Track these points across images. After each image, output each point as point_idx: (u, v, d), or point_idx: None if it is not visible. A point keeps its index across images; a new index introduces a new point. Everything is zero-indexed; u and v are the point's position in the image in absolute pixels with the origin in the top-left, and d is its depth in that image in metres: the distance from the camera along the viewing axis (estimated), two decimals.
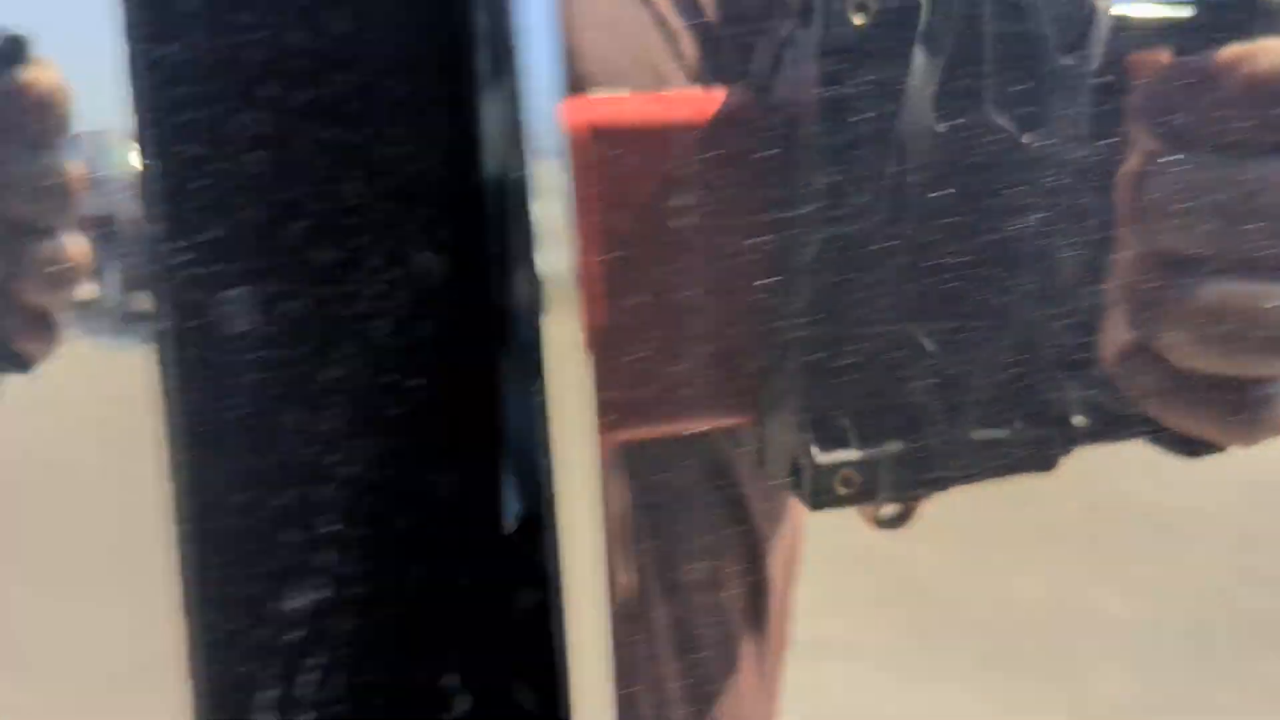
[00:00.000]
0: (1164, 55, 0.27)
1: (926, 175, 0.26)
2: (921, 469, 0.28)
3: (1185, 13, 0.27)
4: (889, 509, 0.31)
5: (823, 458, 0.27)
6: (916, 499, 0.30)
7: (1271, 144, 0.26)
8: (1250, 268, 0.26)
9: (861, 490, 0.28)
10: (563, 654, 0.21)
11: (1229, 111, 0.26)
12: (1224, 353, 0.27)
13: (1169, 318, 0.27)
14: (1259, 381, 0.28)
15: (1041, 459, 0.29)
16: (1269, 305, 0.26)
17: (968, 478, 0.29)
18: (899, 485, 0.28)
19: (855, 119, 0.25)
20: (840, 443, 0.28)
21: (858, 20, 0.25)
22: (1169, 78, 0.26)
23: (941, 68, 0.26)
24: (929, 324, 0.27)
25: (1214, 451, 0.30)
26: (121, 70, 0.19)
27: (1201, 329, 0.27)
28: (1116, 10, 0.27)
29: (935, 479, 0.29)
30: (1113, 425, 0.30)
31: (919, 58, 0.25)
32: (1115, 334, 0.28)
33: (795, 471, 0.28)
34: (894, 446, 0.28)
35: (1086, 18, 0.26)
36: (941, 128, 0.26)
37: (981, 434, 0.28)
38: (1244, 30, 0.26)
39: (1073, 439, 0.30)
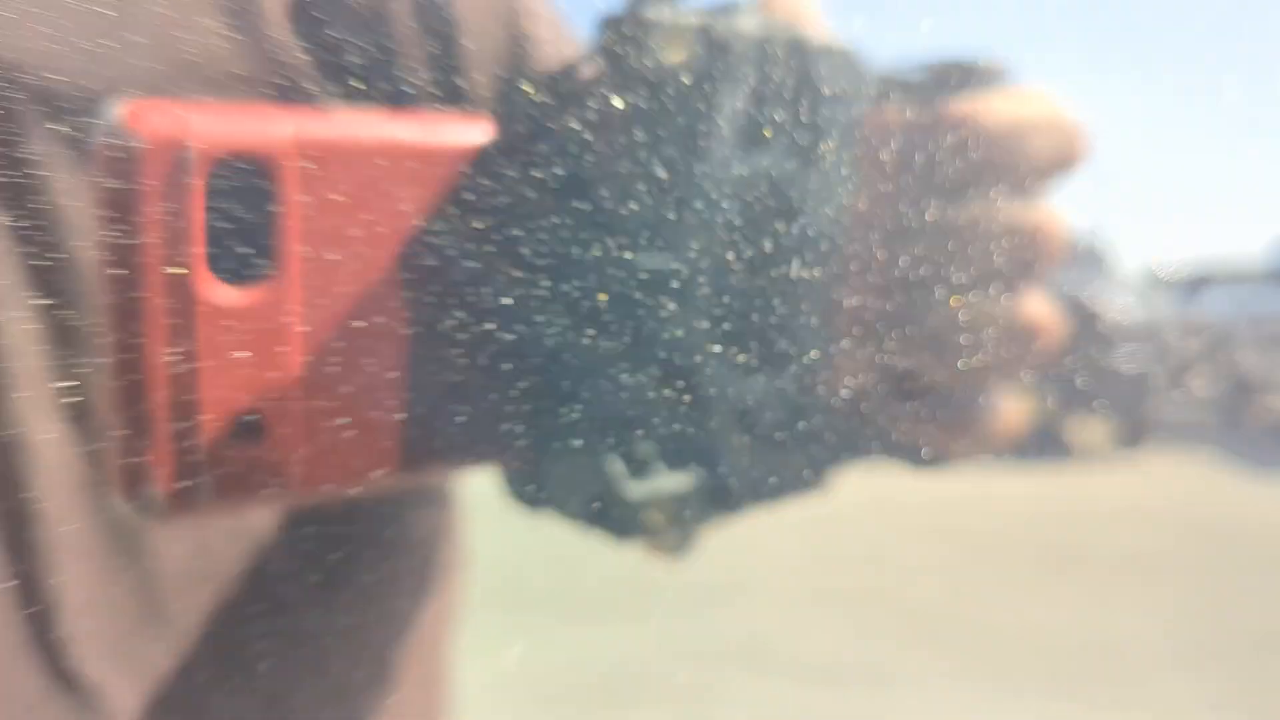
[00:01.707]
0: (895, 111, 0.31)
1: (717, 213, 0.27)
2: (721, 496, 0.30)
3: (919, 75, 0.31)
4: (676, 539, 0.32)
5: (633, 493, 0.28)
6: (708, 525, 0.31)
7: (977, 183, 0.31)
8: (955, 285, 0.31)
9: (671, 519, 0.29)
10: None
11: (949, 157, 0.30)
12: (943, 366, 0.31)
13: (908, 333, 0.31)
14: (968, 392, 0.32)
15: (818, 481, 0.32)
16: (978, 313, 0.31)
17: (756, 500, 0.30)
18: (701, 512, 0.29)
19: (648, 161, 0.26)
20: (645, 474, 0.28)
21: (674, 57, 0.26)
22: (906, 129, 0.30)
23: (732, 113, 0.28)
24: (723, 356, 0.29)
25: (946, 463, 0.33)
26: None
27: (925, 344, 0.31)
28: (878, 71, 0.30)
29: (732, 504, 0.30)
30: (863, 443, 0.32)
31: (723, 97, 0.27)
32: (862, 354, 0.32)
33: (599, 504, 0.28)
34: (695, 476, 0.29)
35: (855, 71, 0.29)
36: (736, 170, 0.28)
37: (769, 458, 0.30)
38: (965, 89, 0.31)
39: (836, 458, 0.32)
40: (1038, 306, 0.32)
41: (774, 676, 3.69)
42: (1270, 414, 10.36)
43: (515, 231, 0.27)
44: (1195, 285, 12.09)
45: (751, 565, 5.21)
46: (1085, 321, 8.06)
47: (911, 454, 0.33)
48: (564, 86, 0.27)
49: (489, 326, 0.27)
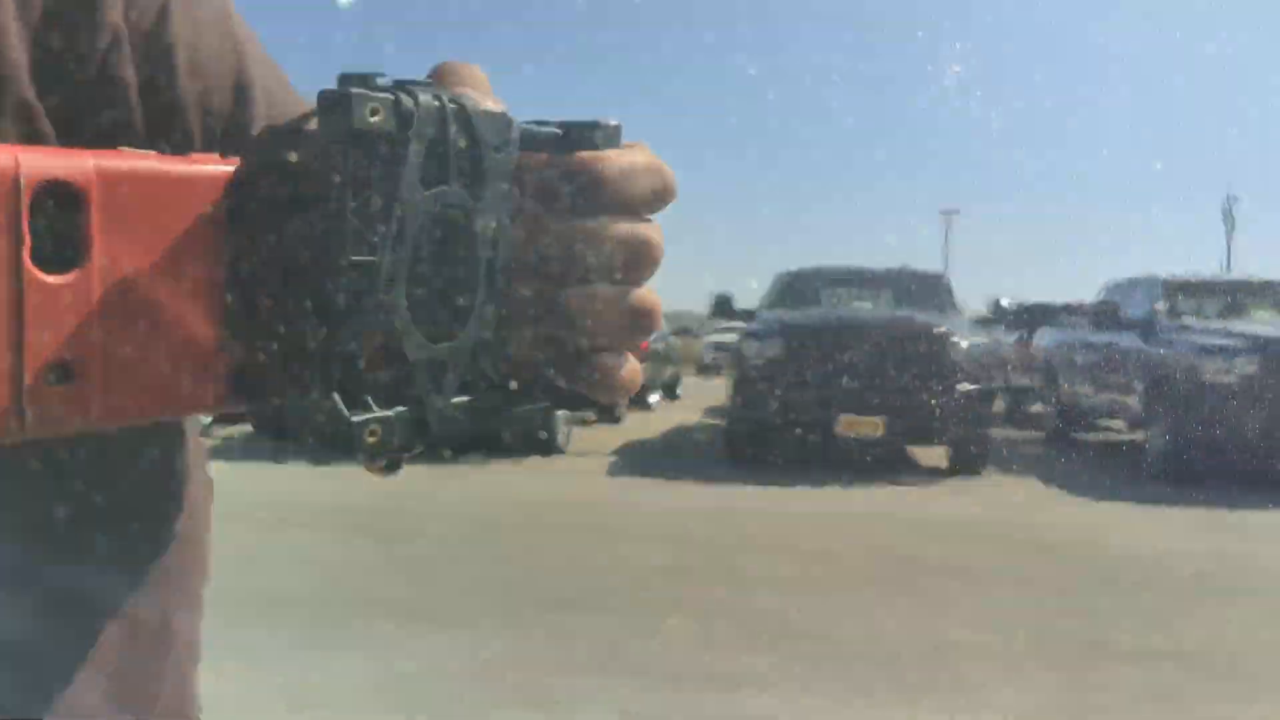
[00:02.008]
0: (543, 157, 0.43)
1: (415, 225, 0.39)
2: (418, 427, 0.40)
3: (557, 131, 0.44)
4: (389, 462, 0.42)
5: (355, 417, 0.38)
6: (413, 450, 0.41)
7: (596, 208, 0.43)
8: (585, 279, 0.43)
9: (382, 440, 0.39)
10: None
11: (576, 189, 0.43)
12: (584, 334, 0.43)
13: (553, 314, 0.43)
14: (602, 353, 0.44)
15: (493, 424, 0.44)
16: (600, 299, 0.43)
17: (450, 437, 0.41)
18: (407, 438, 0.40)
19: (370, 191, 0.38)
20: (363, 406, 0.38)
21: (373, 119, 0.37)
22: (546, 170, 0.43)
23: (422, 155, 0.39)
24: (420, 327, 0.40)
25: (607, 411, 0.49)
26: None
27: (572, 320, 0.43)
28: (522, 126, 0.43)
29: (428, 435, 0.41)
30: (538, 394, 0.45)
31: (412, 148, 0.38)
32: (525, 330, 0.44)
33: (331, 430, 0.38)
34: (401, 409, 0.40)
35: (507, 128, 0.42)
36: (419, 196, 0.39)
37: (457, 401, 0.42)
38: (590, 143, 0.43)
39: (510, 406, 0.44)
40: (646, 295, 0.44)
41: (628, 681, 3.74)
42: (1093, 437, 10.97)
43: (266, 236, 0.38)
44: (1032, 322, 12.73)
45: (607, 575, 5.29)
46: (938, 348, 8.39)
47: (567, 401, 0.46)
48: (295, 138, 0.39)
49: (251, 304, 0.38)
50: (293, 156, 0.38)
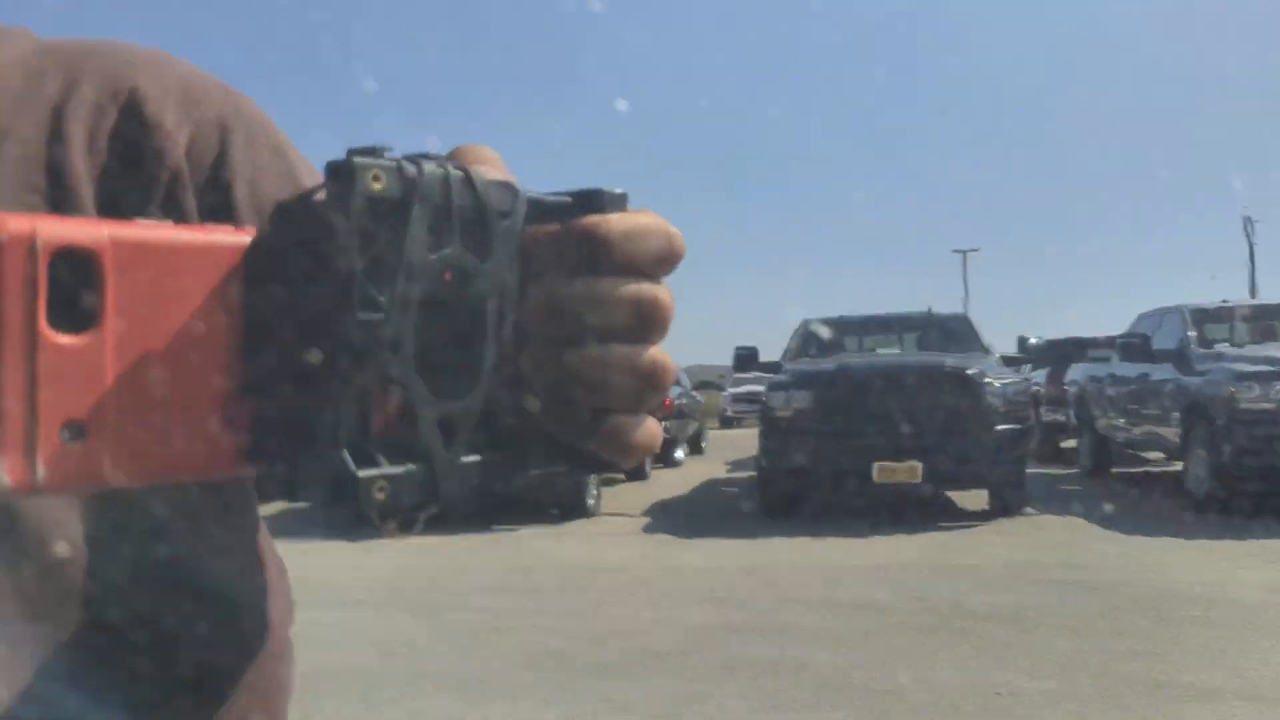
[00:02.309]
0: (553, 226, 0.45)
1: (421, 286, 0.40)
2: (430, 484, 0.40)
3: (567, 200, 0.46)
4: (402, 521, 0.42)
5: (362, 473, 0.38)
6: (427, 510, 0.41)
7: (602, 269, 0.44)
8: (594, 341, 0.43)
9: (391, 497, 0.39)
10: None
11: (584, 253, 0.44)
12: (596, 395, 0.44)
13: (564, 375, 0.43)
14: (617, 413, 0.44)
15: (509, 480, 0.44)
16: (611, 360, 0.43)
17: (461, 494, 0.41)
18: (417, 495, 0.40)
19: (377, 254, 0.39)
20: (372, 463, 0.39)
21: (376, 185, 0.38)
22: (557, 237, 0.44)
23: (427, 220, 0.40)
24: (430, 385, 0.41)
25: (614, 468, 0.46)
26: None
27: (582, 380, 0.43)
28: (531, 194, 0.45)
29: (440, 492, 0.41)
30: (554, 456, 0.45)
31: (416, 213, 0.40)
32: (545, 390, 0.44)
33: (338, 487, 0.38)
34: (411, 466, 0.40)
35: (513, 196, 0.43)
36: (425, 258, 0.40)
37: (467, 459, 0.42)
38: (597, 209, 0.45)
39: (525, 466, 0.45)
40: (657, 356, 0.45)
41: None
42: (1131, 470, 10.85)
43: (278, 300, 0.39)
44: (1061, 357, 12.67)
45: (654, 638, 5.23)
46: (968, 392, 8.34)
47: (584, 462, 0.46)
48: (305, 207, 0.40)
49: (262, 366, 0.39)
50: (303, 223, 0.40)
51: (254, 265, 0.40)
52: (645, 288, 0.44)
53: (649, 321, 0.44)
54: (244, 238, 0.40)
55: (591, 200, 0.45)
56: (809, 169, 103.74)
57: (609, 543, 8.34)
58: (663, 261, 0.45)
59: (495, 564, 7.23)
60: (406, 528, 0.42)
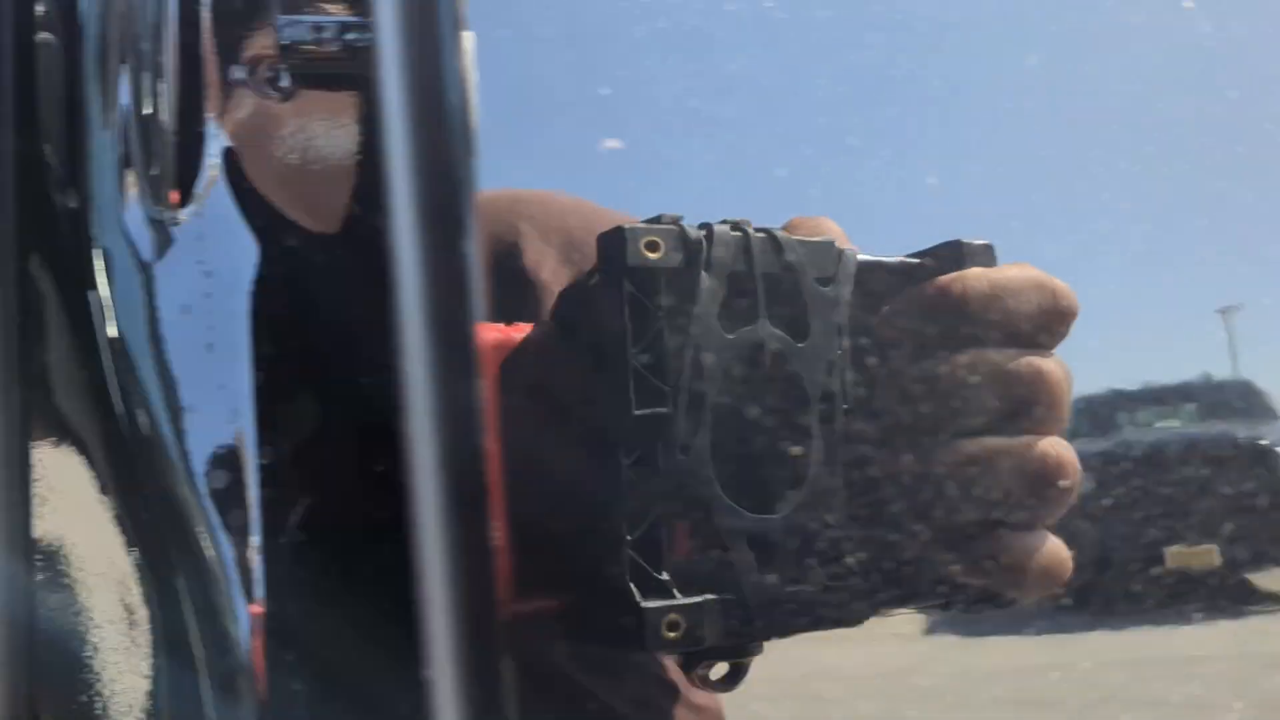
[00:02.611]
0: (881, 287, 0.37)
1: (718, 371, 0.34)
2: (740, 617, 0.33)
3: (912, 260, 0.38)
4: (720, 668, 0.35)
5: (647, 603, 0.32)
6: (742, 650, 0.35)
7: (961, 339, 0.36)
8: (963, 431, 0.35)
9: (687, 634, 0.32)
10: None
11: (934, 320, 0.36)
12: (971, 504, 0.35)
13: (925, 478, 0.35)
14: (1002, 528, 0.35)
15: (847, 613, 0.35)
16: (987, 456, 0.34)
17: (783, 628, 0.34)
18: (722, 632, 0.33)
19: (657, 335, 0.33)
20: (664, 593, 0.32)
21: (651, 255, 0.33)
22: (903, 304, 0.37)
23: (722, 292, 0.34)
24: (736, 492, 0.34)
25: (1001, 603, 0.37)
26: None
27: (949, 485, 0.35)
28: (865, 257, 0.37)
29: (754, 628, 0.34)
30: (918, 586, 0.36)
31: (705, 283, 0.34)
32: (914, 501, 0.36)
33: (618, 623, 0.32)
34: (711, 596, 0.33)
35: (835, 258, 0.36)
36: (719, 336, 0.33)
37: (790, 588, 0.34)
38: (953, 266, 0.37)
39: (876, 597, 0.36)
40: (1052, 447, 0.35)
41: None
42: None
43: (553, 400, 0.35)
44: None
45: None
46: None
47: (959, 595, 0.37)
48: (580, 292, 0.36)
49: (534, 479, 0.33)
50: (579, 309, 0.35)
51: (521, 361, 0.35)
52: (1025, 361, 0.36)
53: (1034, 402, 0.36)
54: (513, 334, 0.36)
55: (947, 256, 0.38)
56: None
57: (875, 645, 8.12)
58: (1046, 325, 0.37)
59: None
60: (733, 681, 0.36)
